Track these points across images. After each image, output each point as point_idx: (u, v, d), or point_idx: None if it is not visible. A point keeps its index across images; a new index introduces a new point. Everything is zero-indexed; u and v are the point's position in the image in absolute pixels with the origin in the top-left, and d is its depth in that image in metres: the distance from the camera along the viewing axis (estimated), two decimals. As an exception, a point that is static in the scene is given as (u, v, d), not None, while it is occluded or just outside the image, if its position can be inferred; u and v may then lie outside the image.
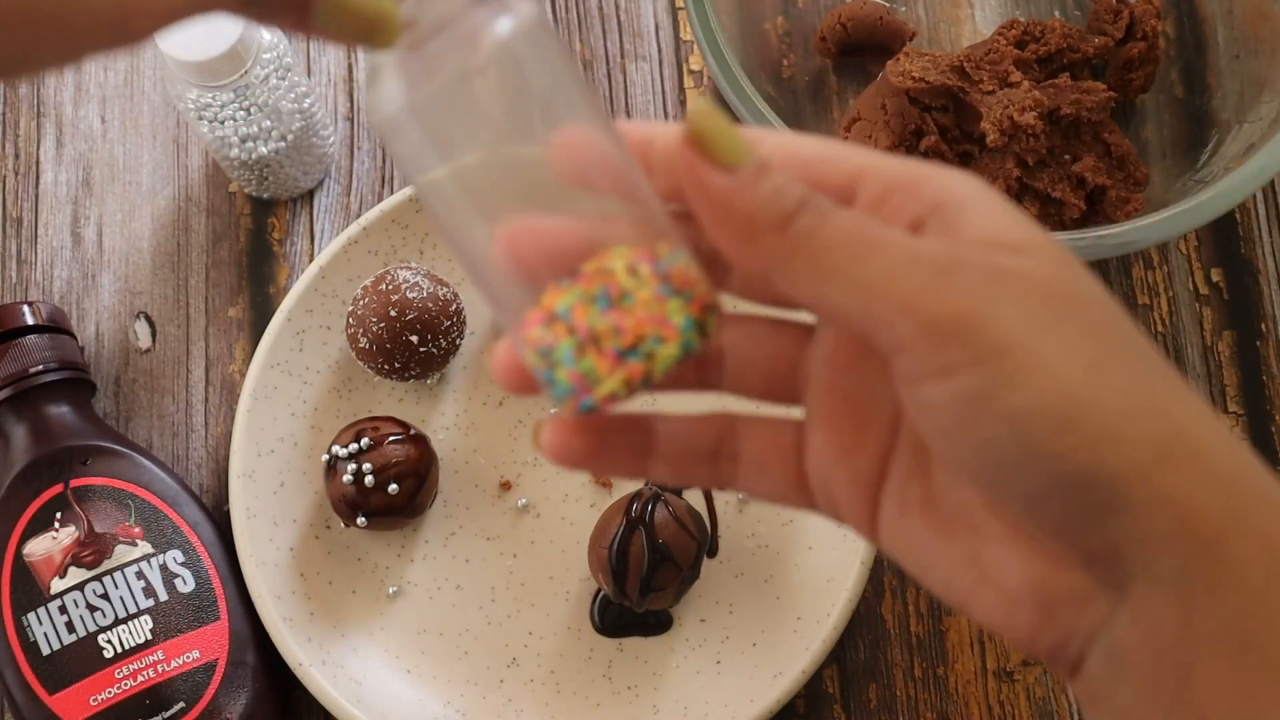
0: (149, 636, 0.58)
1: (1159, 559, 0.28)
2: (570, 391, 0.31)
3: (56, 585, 0.58)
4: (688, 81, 0.70)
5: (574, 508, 0.64)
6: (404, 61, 0.31)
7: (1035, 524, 0.30)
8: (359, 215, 0.68)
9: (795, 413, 0.35)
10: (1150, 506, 0.28)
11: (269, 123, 0.63)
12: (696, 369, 0.35)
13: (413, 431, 0.62)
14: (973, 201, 0.30)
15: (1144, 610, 0.29)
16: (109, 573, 0.59)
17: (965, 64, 0.63)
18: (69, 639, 0.58)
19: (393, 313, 0.61)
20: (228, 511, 0.62)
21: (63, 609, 0.58)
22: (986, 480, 0.30)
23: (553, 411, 0.32)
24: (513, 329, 0.32)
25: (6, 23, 0.27)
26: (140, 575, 0.59)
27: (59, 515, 0.59)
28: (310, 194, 0.69)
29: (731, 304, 0.34)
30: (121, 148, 0.70)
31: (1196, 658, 0.28)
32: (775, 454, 0.34)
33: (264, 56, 0.61)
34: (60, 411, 0.61)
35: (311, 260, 0.66)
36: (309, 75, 0.71)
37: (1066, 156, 0.63)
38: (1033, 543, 0.31)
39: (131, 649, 0.58)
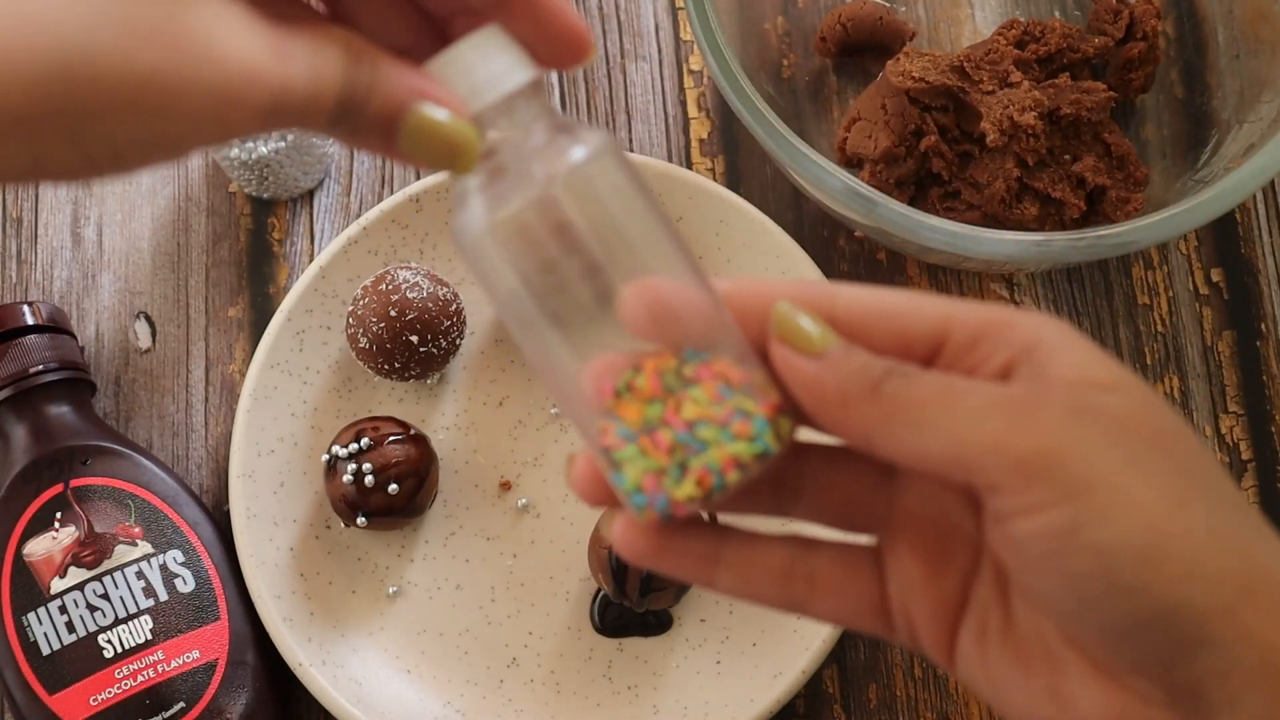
0: (149, 636, 0.58)
1: (1244, 696, 0.29)
2: (646, 501, 0.32)
3: (56, 585, 0.58)
4: (688, 81, 0.70)
5: (574, 508, 0.64)
6: (487, 187, 0.33)
7: (1118, 659, 0.31)
8: (359, 215, 0.68)
9: (863, 539, 0.36)
10: (1236, 644, 0.29)
11: (269, 123, 0.63)
12: (774, 493, 0.36)
13: (413, 431, 0.62)
14: (1063, 345, 0.31)
15: None
16: (109, 573, 0.59)
17: (965, 64, 0.63)
18: (69, 639, 0.58)
19: (393, 313, 0.61)
20: (228, 511, 0.62)
21: (63, 609, 0.58)
22: (1071, 614, 0.30)
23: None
24: (589, 440, 0.34)
25: (108, 109, 0.27)
26: (140, 575, 0.59)
27: (59, 515, 0.59)
28: (310, 194, 0.69)
29: (807, 433, 0.35)
30: (121, 148, 0.70)
31: None
32: (854, 578, 0.35)
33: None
34: (60, 411, 0.61)
35: (311, 260, 0.66)
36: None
37: (1066, 156, 0.63)
38: (1113, 678, 0.31)
39: (131, 649, 0.58)
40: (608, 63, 0.70)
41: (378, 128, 0.31)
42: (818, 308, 0.33)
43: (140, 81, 0.28)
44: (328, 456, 0.61)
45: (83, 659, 0.57)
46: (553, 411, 0.65)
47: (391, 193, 0.68)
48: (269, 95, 0.29)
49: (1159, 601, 0.29)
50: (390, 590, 0.63)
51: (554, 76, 0.70)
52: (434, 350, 0.62)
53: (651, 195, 0.34)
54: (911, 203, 0.64)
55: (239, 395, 0.63)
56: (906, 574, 0.34)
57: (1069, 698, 0.32)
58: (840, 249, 0.67)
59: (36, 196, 0.70)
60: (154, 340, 0.67)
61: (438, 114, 0.32)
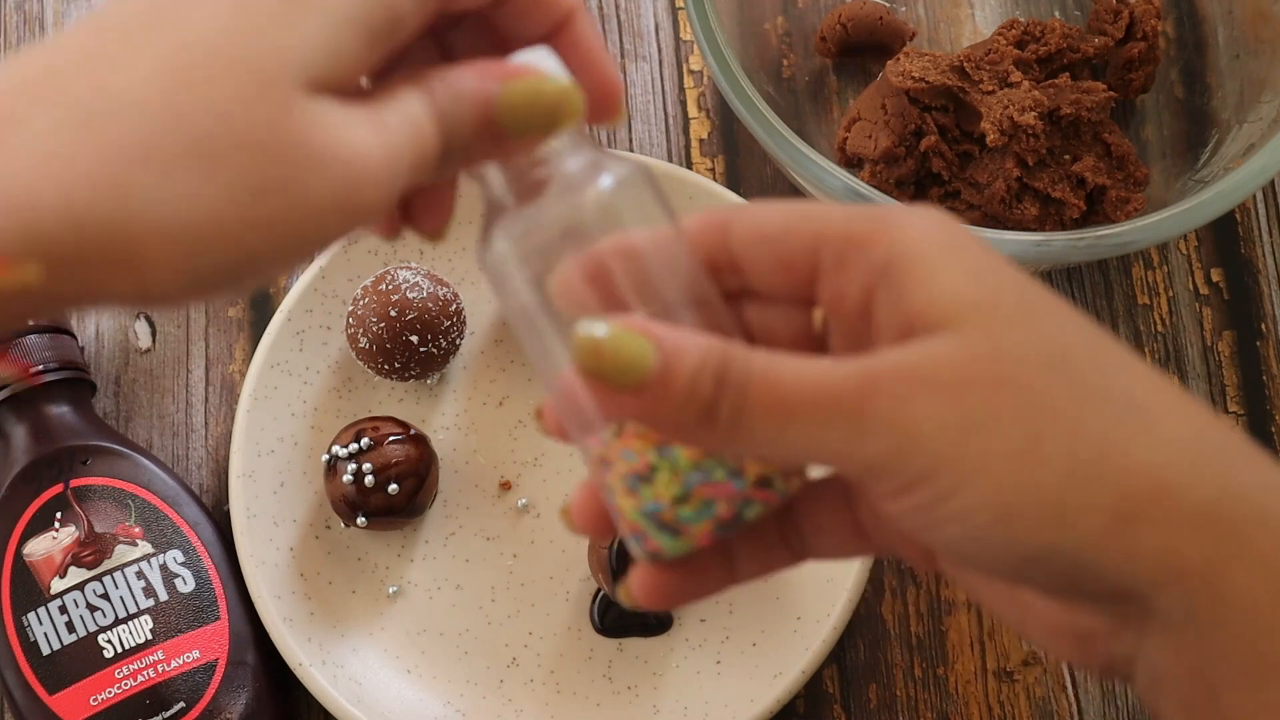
0: (149, 636, 0.58)
1: (1160, 604, 0.29)
2: (660, 532, 0.33)
3: (56, 585, 0.58)
4: (688, 81, 0.70)
5: (574, 508, 0.64)
6: (518, 209, 0.33)
7: (1031, 590, 0.32)
8: (359, 215, 0.68)
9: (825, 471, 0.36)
10: (1125, 565, 0.29)
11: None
12: (780, 536, 0.36)
13: (413, 431, 0.62)
14: (915, 260, 0.31)
15: (1164, 644, 0.30)
16: (109, 573, 0.59)
17: (965, 64, 0.63)
18: (69, 639, 0.58)
19: (393, 313, 0.61)
20: (228, 511, 0.62)
21: (63, 609, 0.58)
22: (970, 562, 0.32)
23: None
24: (595, 473, 0.34)
25: (223, 234, 0.28)
26: (140, 575, 0.59)
27: (59, 515, 0.59)
28: (310, 194, 0.69)
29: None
30: (121, 148, 0.70)
31: (1220, 684, 0.29)
32: (829, 515, 0.36)
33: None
34: (60, 411, 0.61)
35: (311, 260, 0.66)
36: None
37: (1066, 156, 0.63)
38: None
39: (131, 649, 0.58)
40: (608, 63, 0.70)
41: (480, 130, 0.32)
42: (712, 246, 0.33)
43: (269, 220, 0.28)
44: (328, 456, 0.61)
45: (83, 659, 0.57)
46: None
47: (391, 193, 0.68)
48: (385, 173, 0.30)
49: (1029, 550, 0.29)
50: (390, 590, 0.63)
51: (554, 76, 0.70)
52: (434, 350, 0.62)
53: (677, 219, 0.34)
54: (911, 202, 0.64)
55: (239, 395, 0.63)
56: (865, 501, 0.35)
57: (1027, 603, 0.33)
58: (840, 249, 0.67)
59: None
60: (154, 340, 0.67)
61: (524, 83, 0.32)
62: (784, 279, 0.33)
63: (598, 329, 0.30)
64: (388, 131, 0.30)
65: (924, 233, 0.31)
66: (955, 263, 0.31)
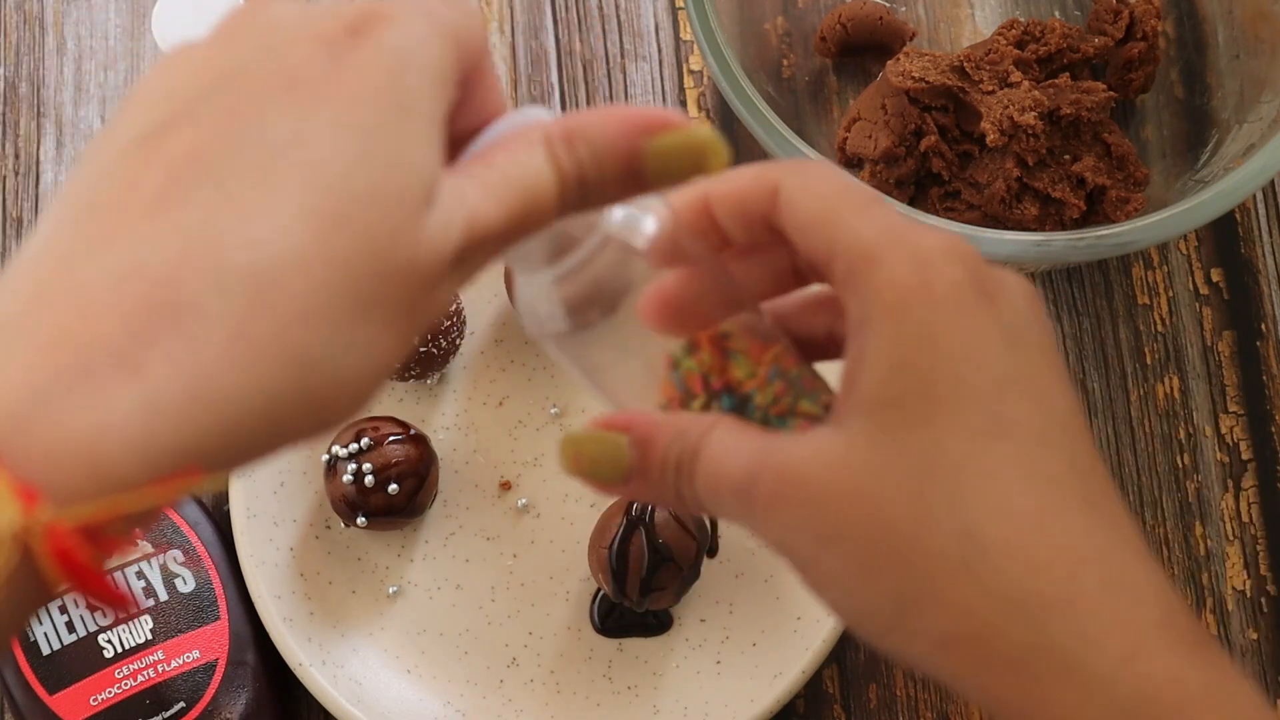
0: (149, 636, 0.58)
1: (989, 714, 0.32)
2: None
3: (56, 585, 0.58)
4: (688, 81, 0.70)
5: (574, 508, 0.64)
6: (552, 262, 0.33)
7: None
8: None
9: None
10: (955, 686, 0.32)
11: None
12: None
13: (413, 431, 0.62)
14: (876, 328, 0.31)
15: None
16: (109, 572, 0.58)
17: (965, 64, 0.63)
18: (69, 639, 0.58)
19: (393, 313, 0.61)
20: (228, 511, 0.62)
21: (63, 608, 0.58)
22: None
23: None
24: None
25: (391, 366, 0.29)
26: (140, 575, 0.59)
27: (59, 515, 0.59)
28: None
29: None
30: (121, 148, 0.70)
31: None
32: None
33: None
34: (60, 411, 0.61)
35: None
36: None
37: (1066, 156, 0.63)
38: None
39: (132, 649, 0.58)
40: (608, 63, 0.70)
41: (622, 179, 0.31)
42: (697, 215, 0.35)
43: (416, 330, 0.29)
44: (328, 456, 0.61)
45: (83, 659, 0.57)
46: (552, 411, 0.65)
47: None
48: (499, 242, 0.30)
49: (885, 651, 0.33)
50: (390, 590, 0.63)
51: (554, 76, 0.70)
52: (434, 350, 0.62)
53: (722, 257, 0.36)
54: (911, 203, 0.64)
55: (239, 395, 0.63)
56: None
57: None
58: (840, 249, 0.67)
59: (36, 196, 0.70)
60: (154, 340, 0.67)
61: (674, 136, 0.31)
62: (752, 233, 0.35)
63: (574, 437, 0.34)
64: (500, 201, 0.30)
65: (895, 286, 0.31)
66: (892, 341, 0.31)
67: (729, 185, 0.34)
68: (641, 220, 0.33)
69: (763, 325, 0.35)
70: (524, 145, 0.30)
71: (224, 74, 0.28)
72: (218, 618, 0.59)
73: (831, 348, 0.36)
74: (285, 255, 0.26)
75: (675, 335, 0.35)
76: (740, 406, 0.34)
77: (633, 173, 0.31)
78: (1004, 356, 0.31)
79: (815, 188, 0.33)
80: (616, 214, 0.33)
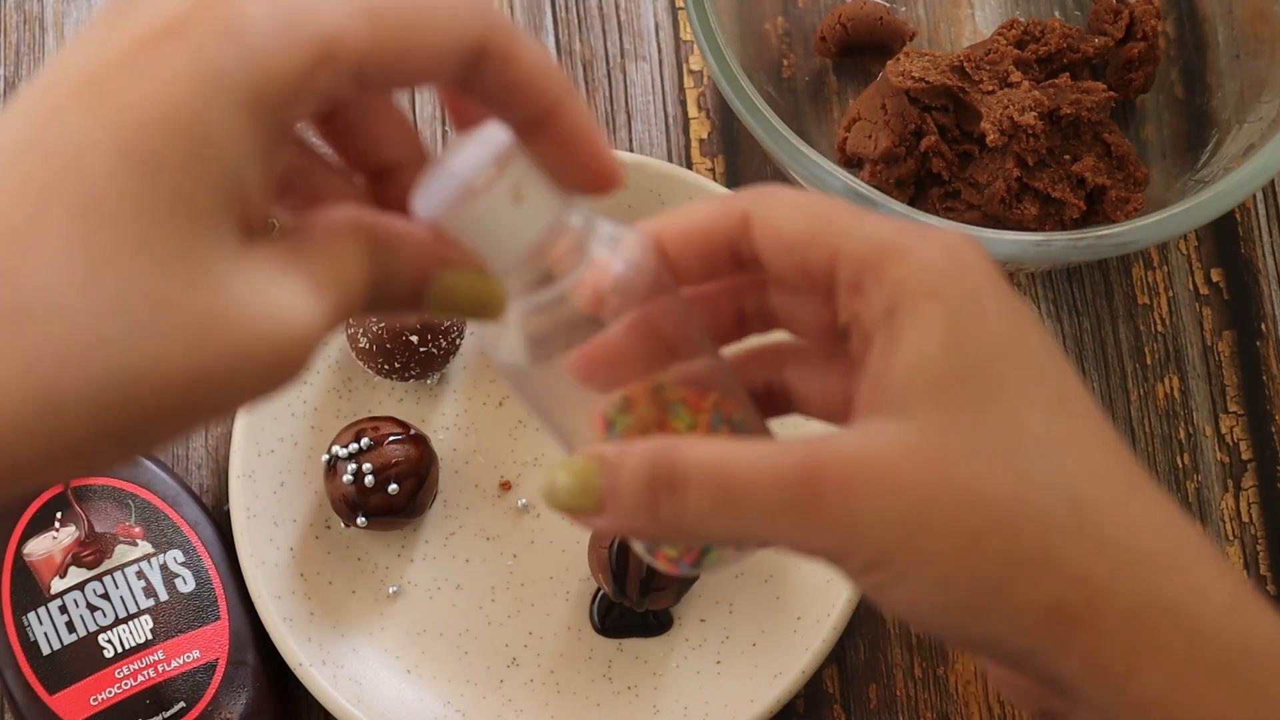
0: (149, 636, 0.58)
1: (1085, 693, 0.31)
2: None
3: (57, 585, 0.58)
4: (688, 81, 0.70)
5: (574, 508, 0.64)
6: (529, 297, 0.33)
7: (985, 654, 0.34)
8: (359, 215, 0.68)
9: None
10: (1054, 658, 0.31)
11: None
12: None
13: (413, 431, 0.62)
14: (910, 312, 0.31)
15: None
16: (109, 572, 0.59)
17: (965, 64, 0.63)
18: (69, 639, 0.58)
19: (393, 313, 0.61)
20: (228, 511, 0.62)
21: (63, 609, 0.58)
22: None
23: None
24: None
25: (159, 419, 0.27)
26: (140, 575, 0.59)
27: (59, 515, 0.59)
28: (310, 194, 0.69)
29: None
30: (122, 148, 0.70)
31: None
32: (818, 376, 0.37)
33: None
34: (60, 411, 0.61)
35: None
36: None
37: (1066, 156, 0.63)
38: None
39: (132, 649, 0.58)
40: (608, 63, 0.70)
41: (405, 302, 0.31)
42: (732, 235, 0.34)
43: (190, 384, 0.27)
44: (328, 456, 0.61)
45: (83, 659, 0.57)
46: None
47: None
48: (315, 333, 0.29)
49: (971, 636, 0.31)
50: (390, 590, 0.63)
51: (554, 76, 0.70)
52: (434, 350, 0.62)
53: (680, 293, 0.35)
54: (911, 203, 0.64)
55: (239, 395, 0.63)
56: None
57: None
58: (840, 249, 0.67)
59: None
60: (154, 340, 0.67)
61: (460, 279, 0.31)
62: (804, 281, 0.33)
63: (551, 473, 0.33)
64: (318, 294, 0.29)
65: (929, 272, 0.31)
66: (941, 322, 0.31)
67: (692, 219, 0.34)
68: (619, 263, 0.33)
69: (705, 366, 0.34)
70: (351, 236, 0.30)
71: None
72: (218, 618, 0.59)
73: (769, 401, 0.36)
74: (43, 297, 0.26)
75: (606, 390, 0.34)
76: None
77: (416, 300, 0.31)
78: (1042, 334, 0.32)
79: (794, 207, 0.33)
80: (599, 251, 0.33)
